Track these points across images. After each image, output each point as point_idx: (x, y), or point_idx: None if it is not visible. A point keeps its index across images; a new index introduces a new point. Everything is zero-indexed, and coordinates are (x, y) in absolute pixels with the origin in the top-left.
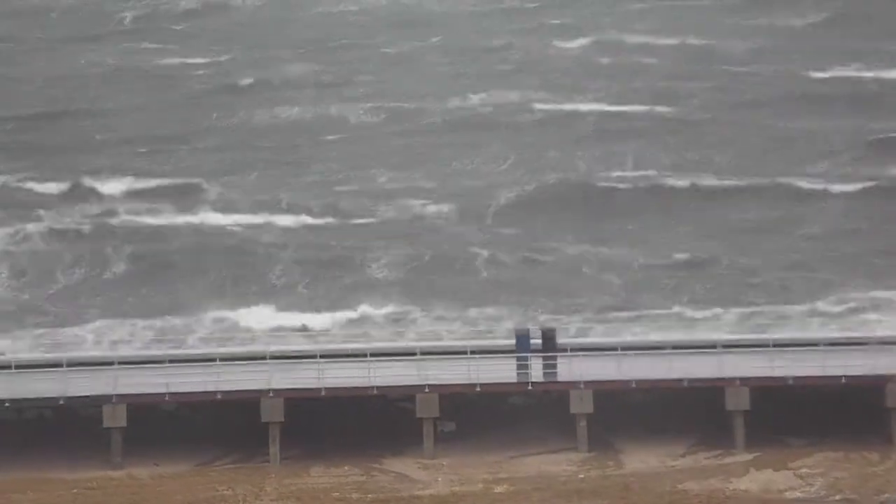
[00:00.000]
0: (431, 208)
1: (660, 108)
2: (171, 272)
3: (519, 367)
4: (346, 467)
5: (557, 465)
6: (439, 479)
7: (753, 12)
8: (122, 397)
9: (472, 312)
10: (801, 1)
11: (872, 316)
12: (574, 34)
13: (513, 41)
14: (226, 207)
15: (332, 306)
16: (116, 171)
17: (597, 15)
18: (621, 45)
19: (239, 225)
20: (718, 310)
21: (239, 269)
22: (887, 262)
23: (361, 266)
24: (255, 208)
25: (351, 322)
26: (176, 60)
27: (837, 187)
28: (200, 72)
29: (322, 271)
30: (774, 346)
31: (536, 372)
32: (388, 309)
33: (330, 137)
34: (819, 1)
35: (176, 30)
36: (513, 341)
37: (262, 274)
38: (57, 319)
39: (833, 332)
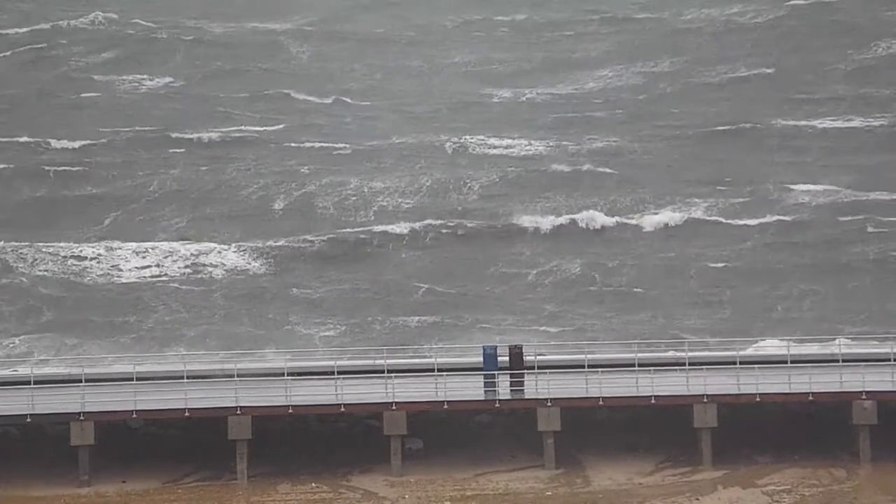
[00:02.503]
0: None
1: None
2: None
3: (486, 384)
4: (313, 485)
5: (525, 482)
6: (406, 496)
7: None
8: (89, 415)
9: None
10: None
11: None
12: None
13: None
14: None
15: None
16: None
17: None
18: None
19: None
20: None
21: None
22: None
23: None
24: None
25: None
26: None
27: None
28: None
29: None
30: (741, 363)
31: (504, 389)
32: None
33: None
34: None
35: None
36: (480, 359)
37: None
38: None
39: (799, 350)
